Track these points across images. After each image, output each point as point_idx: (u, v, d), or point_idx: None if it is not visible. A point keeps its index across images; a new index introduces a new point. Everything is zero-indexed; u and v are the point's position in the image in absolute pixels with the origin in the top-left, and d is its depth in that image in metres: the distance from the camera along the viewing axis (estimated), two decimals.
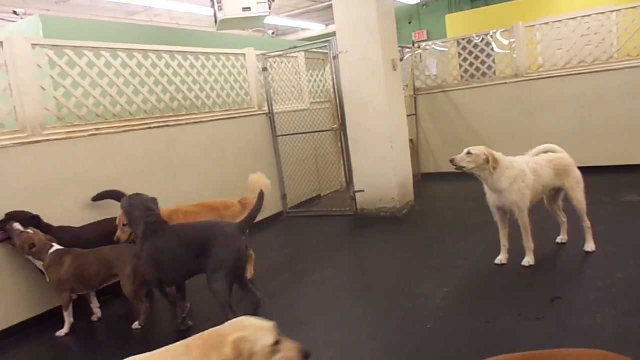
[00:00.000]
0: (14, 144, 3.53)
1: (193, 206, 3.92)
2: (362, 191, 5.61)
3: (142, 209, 3.07)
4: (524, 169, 3.44)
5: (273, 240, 5.32)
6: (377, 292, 3.51)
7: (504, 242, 3.63)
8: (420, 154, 7.63)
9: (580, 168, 6.37)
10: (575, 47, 6.48)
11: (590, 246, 3.67)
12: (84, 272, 3.27)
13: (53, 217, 3.60)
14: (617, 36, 6.42)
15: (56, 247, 3.33)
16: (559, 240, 3.92)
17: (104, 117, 4.30)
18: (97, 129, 4.14)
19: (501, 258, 3.62)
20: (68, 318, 3.34)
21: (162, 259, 2.97)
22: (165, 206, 4.56)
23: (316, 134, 6.36)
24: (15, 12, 8.80)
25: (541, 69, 6.78)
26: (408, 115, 6.93)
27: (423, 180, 7.24)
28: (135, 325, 3.30)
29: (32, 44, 3.76)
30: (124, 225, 3.24)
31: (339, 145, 5.98)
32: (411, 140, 7.12)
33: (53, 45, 3.94)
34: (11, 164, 3.49)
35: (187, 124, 4.97)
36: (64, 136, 3.87)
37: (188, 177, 4.90)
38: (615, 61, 6.29)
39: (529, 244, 3.54)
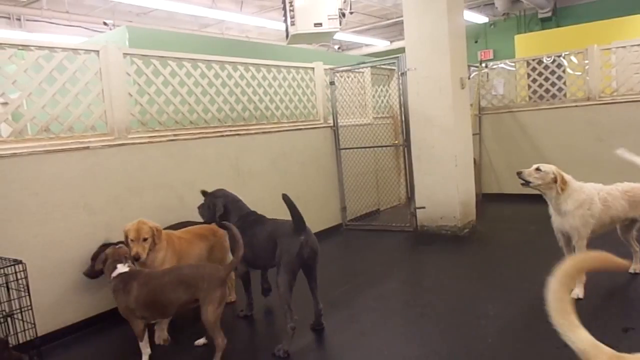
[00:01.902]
0: (102, 145, 3.81)
1: (183, 232, 3.73)
2: (424, 208, 5.60)
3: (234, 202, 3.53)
4: (593, 197, 3.34)
5: (333, 251, 5.40)
6: (440, 309, 3.50)
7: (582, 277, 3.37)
8: (483, 173, 7.51)
9: None
10: None
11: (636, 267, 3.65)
12: (158, 297, 2.78)
13: (131, 217, 3.76)
14: None
15: (120, 268, 2.86)
16: (631, 270, 3.77)
17: (182, 123, 4.55)
18: (175, 135, 4.39)
19: (577, 292, 3.32)
20: (144, 349, 2.90)
21: (255, 248, 3.22)
22: None
23: (377, 149, 6.42)
24: (105, 23, 9.48)
25: (615, 93, 6.54)
26: (472, 135, 6.87)
27: (484, 200, 7.11)
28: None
29: (124, 53, 4.06)
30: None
31: (401, 160, 6.01)
32: (474, 160, 7.04)
33: (142, 55, 4.23)
34: (99, 164, 3.76)
35: (256, 133, 5.16)
36: (146, 140, 4.13)
37: (254, 185, 5.08)
38: None
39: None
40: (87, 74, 3.81)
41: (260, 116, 5.36)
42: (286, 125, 5.60)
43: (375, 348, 2.93)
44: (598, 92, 6.57)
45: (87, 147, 3.69)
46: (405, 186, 6.07)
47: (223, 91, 4.92)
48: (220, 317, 2.76)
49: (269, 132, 5.34)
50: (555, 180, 3.29)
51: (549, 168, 3.34)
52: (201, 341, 3.10)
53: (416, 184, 5.67)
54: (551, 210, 3.48)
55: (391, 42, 13.96)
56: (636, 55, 6.33)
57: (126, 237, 3.20)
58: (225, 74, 4.93)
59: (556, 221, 3.45)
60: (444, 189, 5.43)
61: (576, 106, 6.72)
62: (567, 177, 3.37)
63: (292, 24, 5.97)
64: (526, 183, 3.38)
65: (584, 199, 3.30)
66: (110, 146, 3.86)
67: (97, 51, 3.85)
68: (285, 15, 5.99)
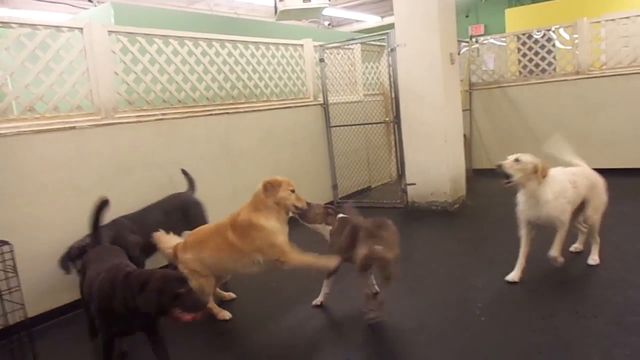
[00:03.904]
0: (89, 125, 3.77)
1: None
2: (414, 184, 5.62)
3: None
4: (566, 183, 3.24)
5: None
6: (430, 283, 3.55)
7: (522, 261, 3.36)
8: (473, 149, 7.54)
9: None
10: None
11: (594, 260, 3.52)
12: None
13: (120, 197, 3.74)
14: None
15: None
16: (572, 249, 3.77)
17: (170, 102, 4.51)
18: (163, 114, 4.35)
19: (514, 276, 3.33)
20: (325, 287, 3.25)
21: None
22: (223, 191, 4.79)
23: (368, 126, 6.41)
24: (89, 0, 9.28)
25: (604, 67, 6.54)
26: (462, 110, 6.87)
27: (475, 175, 7.15)
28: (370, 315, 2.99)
29: (109, 31, 3.98)
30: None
31: (391, 137, 6.01)
32: (465, 136, 7.05)
33: (127, 33, 4.16)
34: (86, 144, 3.73)
35: (245, 111, 5.13)
36: (134, 120, 4.10)
37: (245, 163, 5.07)
38: None
39: (558, 247, 3.25)
40: (72, 53, 3.75)
41: (250, 94, 5.32)
42: (276, 103, 5.56)
43: (366, 323, 2.97)
44: (587, 66, 6.57)
45: (74, 127, 3.66)
46: (395, 163, 6.08)
47: (211, 69, 4.87)
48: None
49: (259, 110, 5.30)
50: (535, 170, 3.09)
51: (527, 157, 3.13)
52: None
53: (406, 161, 5.69)
54: (520, 200, 3.29)
55: (382, 17, 13.81)
56: (625, 28, 6.32)
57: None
58: (213, 52, 4.87)
59: (530, 211, 3.24)
60: (434, 165, 5.45)
61: (565, 80, 6.73)
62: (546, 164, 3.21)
63: (281, 0, 5.90)
64: (507, 177, 3.13)
65: (561, 187, 3.18)
66: (97, 126, 3.83)
67: (81, 29, 3.78)
68: None
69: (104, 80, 3.90)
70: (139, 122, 4.13)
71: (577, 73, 6.64)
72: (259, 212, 3.03)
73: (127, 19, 5.15)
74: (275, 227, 3.02)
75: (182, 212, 3.92)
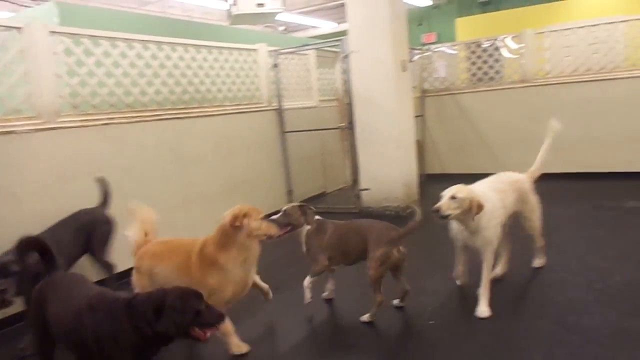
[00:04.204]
0: (29, 129, 3.59)
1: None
2: (368, 189, 5.68)
3: None
4: (495, 202, 3.06)
5: None
6: (385, 287, 3.57)
7: (461, 268, 3.39)
8: (427, 154, 7.69)
9: (584, 173, 6.50)
10: (582, 55, 6.53)
11: (539, 262, 3.60)
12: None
13: (64, 205, 3.59)
14: (624, 46, 6.46)
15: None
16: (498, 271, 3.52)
17: (117, 107, 4.37)
18: (110, 119, 4.20)
19: (459, 276, 3.39)
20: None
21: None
22: (173, 197, 4.68)
23: (323, 131, 6.43)
24: None
25: (549, 75, 6.83)
26: (415, 116, 7.00)
27: (428, 180, 7.29)
28: (365, 318, 3.01)
29: (50, 31, 3.82)
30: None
31: (346, 143, 6.05)
32: (418, 141, 7.19)
33: (70, 34, 4.00)
34: (26, 150, 3.56)
35: (197, 116, 5.03)
36: (78, 124, 3.93)
37: (197, 169, 4.97)
38: (621, 70, 6.34)
39: (486, 289, 3.03)
40: (9, 53, 3.56)
41: (202, 99, 5.23)
42: (229, 108, 5.49)
43: (319, 327, 2.96)
44: (532, 74, 6.84)
45: (13, 132, 3.48)
46: (350, 168, 6.12)
47: (161, 73, 4.76)
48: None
49: (211, 115, 5.22)
50: (471, 206, 2.88)
51: (464, 193, 2.90)
52: (366, 317, 3.03)
53: (360, 166, 5.74)
54: (454, 227, 3.19)
55: (339, 23, 13.92)
56: (567, 39, 6.62)
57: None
58: (163, 55, 4.76)
59: (463, 236, 3.14)
60: (387, 170, 5.52)
61: (512, 88, 6.98)
62: (479, 192, 2.98)
63: (234, 3, 5.84)
64: (444, 218, 2.92)
65: (492, 207, 3.01)
66: (38, 130, 3.65)
67: (19, 28, 3.61)
68: None
69: (45, 83, 3.73)
70: (84, 126, 3.97)
71: (523, 81, 6.90)
72: (226, 250, 2.68)
73: (73, 20, 4.97)
74: (234, 277, 2.69)
75: (87, 231, 3.47)
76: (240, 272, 2.71)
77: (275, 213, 3.17)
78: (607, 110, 6.37)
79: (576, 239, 4.25)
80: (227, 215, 2.70)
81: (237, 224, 2.67)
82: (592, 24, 6.52)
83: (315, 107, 6.69)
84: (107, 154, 4.11)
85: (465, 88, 7.43)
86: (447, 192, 2.91)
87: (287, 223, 3.11)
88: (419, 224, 2.92)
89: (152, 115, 4.57)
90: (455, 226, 3.18)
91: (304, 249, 3.21)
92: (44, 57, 3.73)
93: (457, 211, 2.88)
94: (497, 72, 7.21)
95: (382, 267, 2.88)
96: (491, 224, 3.00)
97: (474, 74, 7.42)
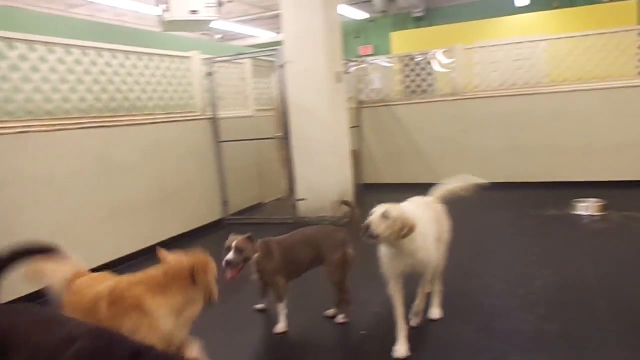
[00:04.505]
0: None
1: None
2: (304, 199, 5.66)
3: None
4: (425, 220, 2.78)
5: (212, 248, 5.21)
6: (314, 299, 3.55)
7: (402, 326, 2.73)
8: (363, 164, 7.80)
9: (509, 184, 6.82)
10: (508, 71, 6.90)
11: (436, 313, 3.05)
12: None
13: None
14: (545, 63, 6.88)
15: None
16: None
17: (36, 114, 4.10)
18: (27, 127, 3.94)
19: (401, 350, 2.65)
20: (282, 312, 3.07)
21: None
22: (100, 209, 4.45)
23: (260, 141, 6.36)
24: None
25: (477, 89, 7.14)
26: (352, 127, 7.09)
27: (365, 190, 7.39)
28: (341, 319, 3.06)
29: None
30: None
31: (283, 153, 6.02)
32: (354, 151, 7.28)
33: None
34: None
35: (126, 125, 4.83)
36: None
37: (125, 180, 4.76)
38: (543, 86, 6.74)
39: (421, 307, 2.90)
40: None
41: (131, 107, 5.03)
42: (161, 116, 5.31)
43: (249, 344, 2.89)
44: (462, 88, 7.13)
45: None
46: (287, 178, 6.09)
47: (86, 79, 4.53)
48: None
49: (141, 124, 5.02)
50: (402, 228, 2.58)
51: (395, 213, 2.59)
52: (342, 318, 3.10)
53: (297, 176, 5.72)
54: (385, 254, 2.78)
55: (277, 33, 13.92)
56: (494, 55, 6.97)
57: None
58: (88, 61, 4.54)
59: (398, 263, 2.74)
60: (323, 180, 5.54)
61: (444, 101, 7.23)
62: (409, 213, 2.66)
63: (167, 9, 5.69)
64: (374, 238, 2.58)
65: (424, 228, 2.72)
66: None
67: None
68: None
69: None
70: None
71: (454, 94, 7.18)
72: (165, 297, 2.16)
73: None
74: (160, 325, 2.14)
75: None
76: (170, 324, 2.16)
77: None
78: (530, 124, 6.75)
79: (501, 247, 4.44)
80: (181, 261, 2.26)
81: (197, 277, 2.25)
82: (517, 41, 6.91)
83: (251, 116, 6.62)
84: (24, 164, 3.85)
85: (400, 100, 7.63)
86: (378, 210, 2.63)
87: (243, 259, 2.83)
88: (354, 212, 3.14)
89: (76, 124, 4.33)
90: (386, 255, 2.78)
91: (255, 277, 3.02)
92: None
93: (388, 232, 2.56)
94: (429, 85, 7.46)
95: (343, 268, 2.99)
96: (428, 243, 2.74)
97: (408, 87, 7.65)
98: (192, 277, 2.23)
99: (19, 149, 3.83)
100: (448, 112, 7.21)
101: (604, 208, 5.22)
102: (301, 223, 5.70)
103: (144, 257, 4.63)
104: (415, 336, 2.82)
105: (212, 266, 2.37)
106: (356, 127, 7.65)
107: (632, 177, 6.37)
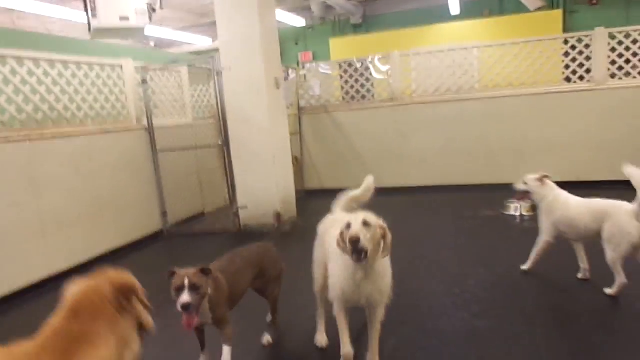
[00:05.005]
0: None
1: None
2: (245, 207, 5.60)
3: None
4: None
5: (150, 260, 5.08)
6: (257, 306, 3.50)
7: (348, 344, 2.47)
8: (305, 171, 7.82)
9: (446, 187, 7.04)
10: (442, 77, 7.13)
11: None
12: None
13: None
14: (477, 69, 7.17)
15: None
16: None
17: None
18: None
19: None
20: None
21: None
22: (27, 226, 4.20)
23: (200, 149, 6.23)
24: None
25: (414, 95, 7.33)
26: (293, 134, 7.10)
27: (307, 196, 7.41)
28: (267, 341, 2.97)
29: None
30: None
31: (223, 161, 5.93)
32: (296, 158, 7.28)
33: None
34: None
35: (53, 137, 4.60)
36: None
37: (53, 194, 4.52)
38: (476, 91, 7.02)
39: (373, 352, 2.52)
40: None
41: (58, 118, 4.80)
42: (91, 127, 5.10)
43: (193, 349, 2.81)
44: (400, 93, 7.30)
45: None
46: (227, 187, 6.00)
47: (6, 90, 4.28)
48: None
49: (70, 135, 4.79)
50: (383, 236, 2.19)
51: (374, 219, 2.20)
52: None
53: (237, 184, 5.66)
54: (342, 277, 2.29)
55: (214, 40, 13.72)
56: (429, 62, 7.18)
57: None
58: (7, 70, 4.28)
59: (362, 290, 2.28)
60: (264, 187, 5.50)
61: (382, 107, 7.38)
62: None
63: (94, 16, 5.44)
64: (364, 255, 2.12)
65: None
66: None
67: None
68: (85, 5, 5.44)
69: None
70: None
71: (392, 100, 7.34)
72: (97, 321, 1.74)
73: None
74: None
75: None
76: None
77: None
78: (465, 128, 6.99)
79: (439, 248, 4.56)
80: (91, 292, 1.77)
81: (125, 299, 1.82)
82: (450, 48, 7.15)
83: (190, 124, 6.48)
84: None
85: (340, 106, 7.71)
86: (356, 218, 2.15)
87: (200, 297, 2.37)
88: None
89: None
90: (345, 279, 2.27)
91: (210, 316, 2.52)
92: None
93: (372, 244, 2.13)
94: (368, 91, 7.59)
95: (280, 282, 3.07)
96: (388, 265, 2.37)
97: (347, 92, 7.74)
98: (116, 306, 1.74)
99: None
100: (387, 117, 7.36)
101: (533, 208, 5.48)
102: (243, 231, 5.63)
103: (80, 272, 4.40)
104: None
105: (137, 286, 1.94)
106: (297, 134, 7.67)
107: (560, 178, 6.67)
